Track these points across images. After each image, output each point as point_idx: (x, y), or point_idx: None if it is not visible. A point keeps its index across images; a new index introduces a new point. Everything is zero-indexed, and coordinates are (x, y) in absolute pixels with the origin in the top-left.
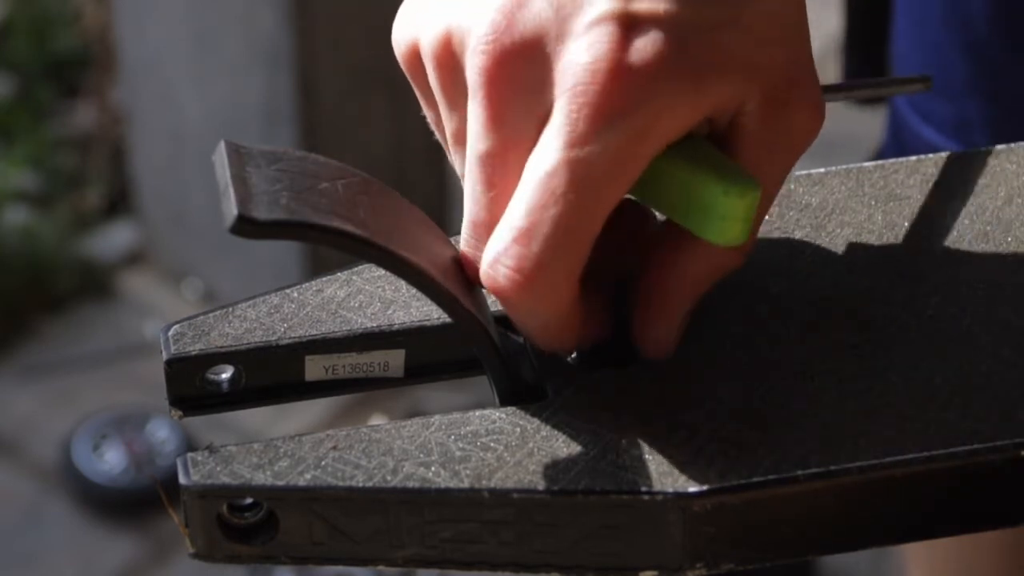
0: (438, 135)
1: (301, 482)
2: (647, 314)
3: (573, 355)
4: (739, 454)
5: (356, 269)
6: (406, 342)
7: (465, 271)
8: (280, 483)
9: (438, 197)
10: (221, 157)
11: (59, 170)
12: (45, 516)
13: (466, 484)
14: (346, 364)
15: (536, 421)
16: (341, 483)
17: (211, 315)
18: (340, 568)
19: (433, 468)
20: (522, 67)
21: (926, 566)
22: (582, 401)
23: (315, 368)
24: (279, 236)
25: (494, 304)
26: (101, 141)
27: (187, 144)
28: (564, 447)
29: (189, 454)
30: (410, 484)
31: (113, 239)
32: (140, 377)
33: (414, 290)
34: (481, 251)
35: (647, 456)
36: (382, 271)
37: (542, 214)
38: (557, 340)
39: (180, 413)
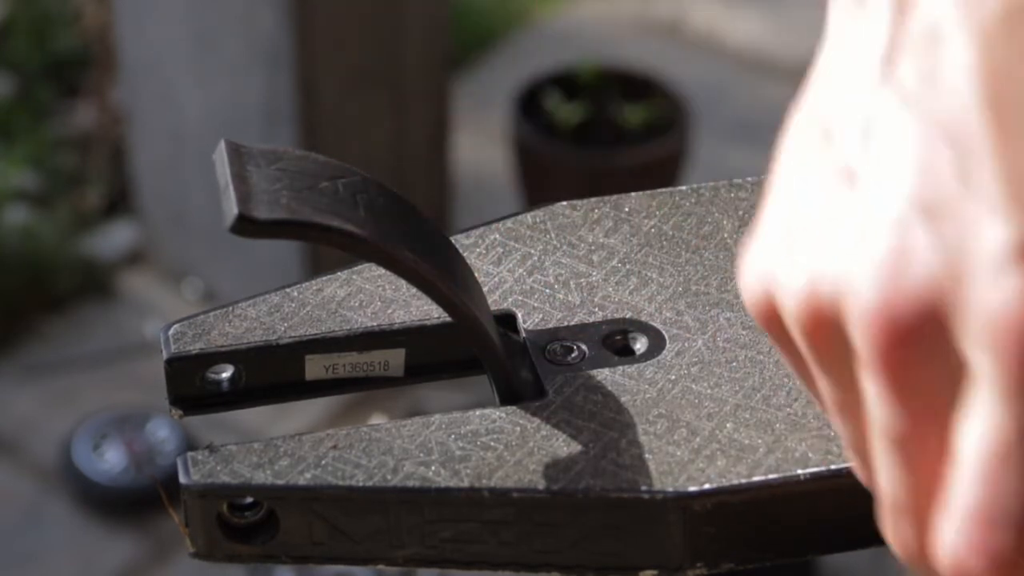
0: (806, 387)
1: (301, 481)
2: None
3: (575, 353)
4: (739, 454)
5: (356, 268)
6: (406, 341)
7: (466, 271)
8: (280, 482)
9: (438, 197)
10: (221, 156)
11: (59, 170)
12: (45, 516)
13: (466, 483)
14: (346, 363)
15: (536, 420)
16: (341, 482)
17: (211, 314)
18: (340, 568)
19: (433, 467)
20: (924, 333)
21: None
22: (582, 400)
23: (315, 367)
24: (280, 235)
25: (494, 304)
26: (101, 141)
27: (187, 144)
28: (564, 446)
29: (189, 453)
30: (410, 483)
31: (113, 239)
32: (140, 377)
33: (414, 289)
34: (905, 530)
35: (647, 456)
36: (382, 270)
37: (1005, 490)
38: None
39: (180, 412)
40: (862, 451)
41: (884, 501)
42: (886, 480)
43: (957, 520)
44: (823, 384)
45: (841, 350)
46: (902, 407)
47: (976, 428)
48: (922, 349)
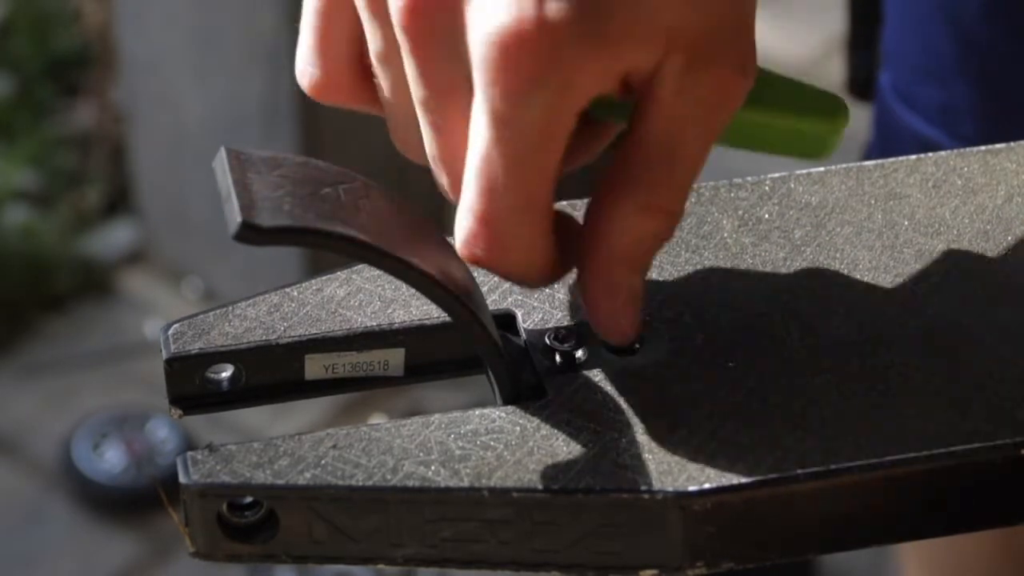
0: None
1: (301, 481)
2: (591, 299)
3: (580, 353)
4: (739, 454)
5: (356, 268)
6: (406, 341)
7: (465, 272)
8: (280, 482)
9: (438, 197)
10: (222, 163)
11: (59, 169)
12: (45, 516)
13: (466, 483)
14: (346, 363)
15: (536, 420)
16: (341, 482)
17: (211, 314)
18: (340, 567)
19: (433, 467)
20: (437, 20)
21: (926, 562)
22: (582, 400)
23: (315, 367)
24: (283, 242)
25: (493, 304)
26: (101, 140)
27: (187, 144)
28: (564, 446)
29: (189, 453)
30: (410, 483)
31: (113, 238)
32: (140, 376)
33: (414, 289)
34: (445, 179)
35: (647, 455)
36: None
37: (493, 196)
38: (543, 278)
39: (180, 412)
40: (394, 105)
41: (428, 155)
42: (425, 137)
43: (461, 213)
44: (369, 33)
45: (383, 5)
46: (423, 75)
47: (473, 135)
48: (437, 27)
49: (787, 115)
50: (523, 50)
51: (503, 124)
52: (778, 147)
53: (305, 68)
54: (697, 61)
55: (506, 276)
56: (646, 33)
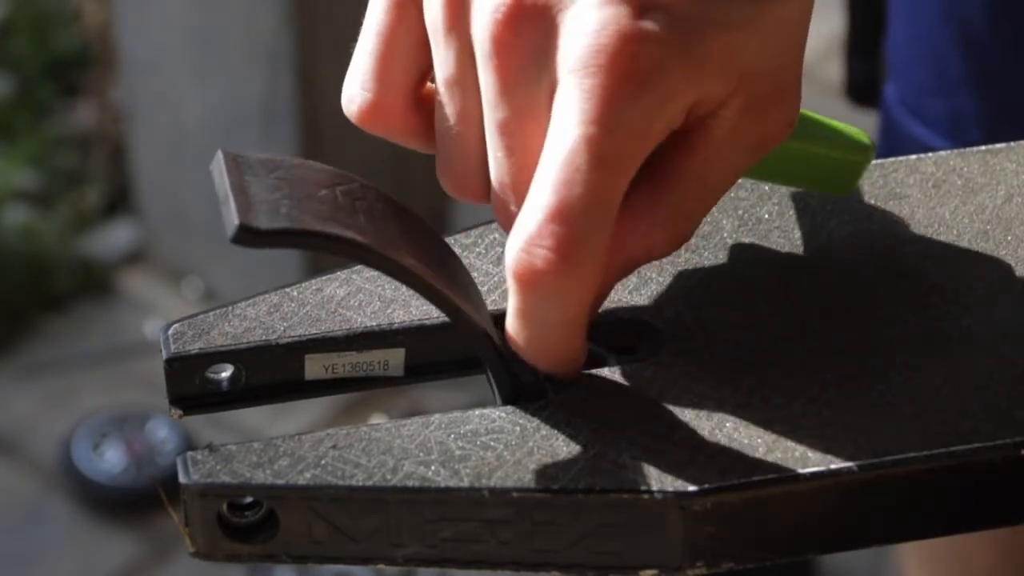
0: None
1: (301, 481)
2: None
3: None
4: (739, 454)
5: (356, 268)
6: (406, 341)
7: (464, 273)
8: (280, 482)
9: (438, 197)
10: (219, 166)
11: (59, 169)
12: (45, 516)
13: (466, 483)
14: (346, 363)
15: (536, 420)
16: (341, 482)
17: (211, 314)
18: (340, 567)
19: (433, 467)
20: (531, 35)
21: (926, 562)
22: (582, 400)
23: (315, 367)
24: (281, 245)
25: (492, 304)
26: (101, 140)
27: (187, 144)
28: (564, 446)
29: (189, 453)
30: (410, 483)
31: (113, 238)
32: (140, 376)
33: None
34: (511, 208)
35: (647, 455)
36: None
37: (570, 191)
38: (569, 346)
39: (180, 412)
40: (456, 134)
41: (493, 182)
42: (493, 162)
43: (526, 214)
44: (441, 55)
45: (464, 26)
46: (506, 93)
47: (555, 135)
48: (529, 44)
49: (820, 144)
50: (630, 56)
51: (596, 123)
52: (806, 179)
53: (357, 92)
54: (755, 106)
55: (555, 303)
56: (724, 69)
